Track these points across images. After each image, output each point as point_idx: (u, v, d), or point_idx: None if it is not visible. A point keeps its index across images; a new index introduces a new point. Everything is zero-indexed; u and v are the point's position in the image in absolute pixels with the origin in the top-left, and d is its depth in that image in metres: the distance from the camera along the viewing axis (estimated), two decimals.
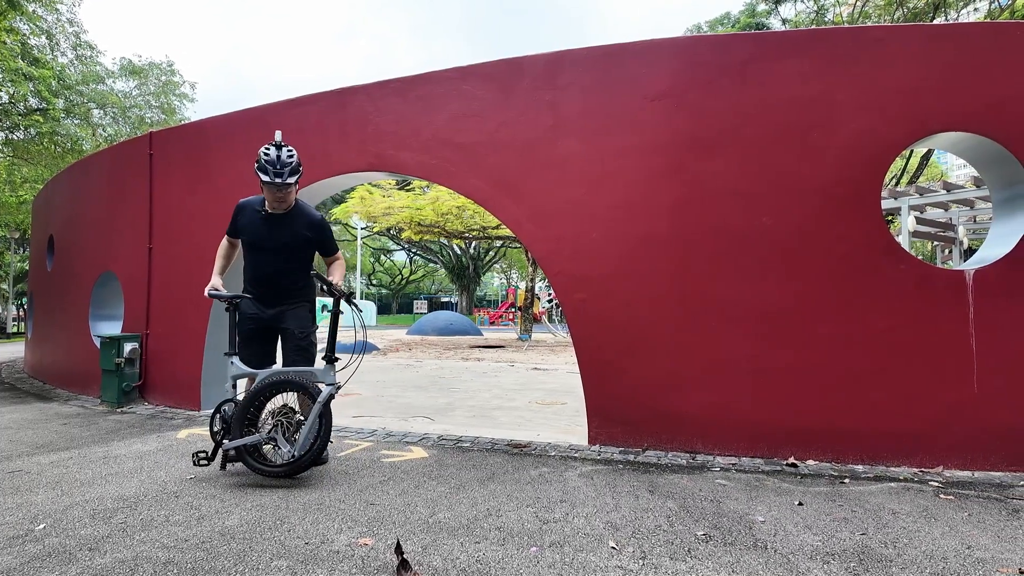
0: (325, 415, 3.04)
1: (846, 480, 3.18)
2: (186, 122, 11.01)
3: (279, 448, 3.05)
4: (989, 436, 3.35)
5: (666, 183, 3.91)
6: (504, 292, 51.00)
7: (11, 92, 16.87)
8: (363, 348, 3.33)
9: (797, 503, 2.78)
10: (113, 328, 6.34)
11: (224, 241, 3.54)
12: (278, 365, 3.42)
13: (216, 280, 3.39)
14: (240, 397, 3.18)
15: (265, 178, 3.14)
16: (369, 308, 32.44)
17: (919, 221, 11.57)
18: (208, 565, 2.07)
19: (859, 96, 3.61)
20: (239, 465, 3.21)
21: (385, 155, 4.69)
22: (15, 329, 25.82)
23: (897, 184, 18.24)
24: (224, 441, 3.10)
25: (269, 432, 3.07)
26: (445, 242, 30.08)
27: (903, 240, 10.64)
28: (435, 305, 45.51)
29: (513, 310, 32.42)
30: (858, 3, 18.42)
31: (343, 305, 3.22)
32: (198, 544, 2.25)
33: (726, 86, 3.83)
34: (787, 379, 3.62)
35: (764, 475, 3.27)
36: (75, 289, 6.82)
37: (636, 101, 3.99)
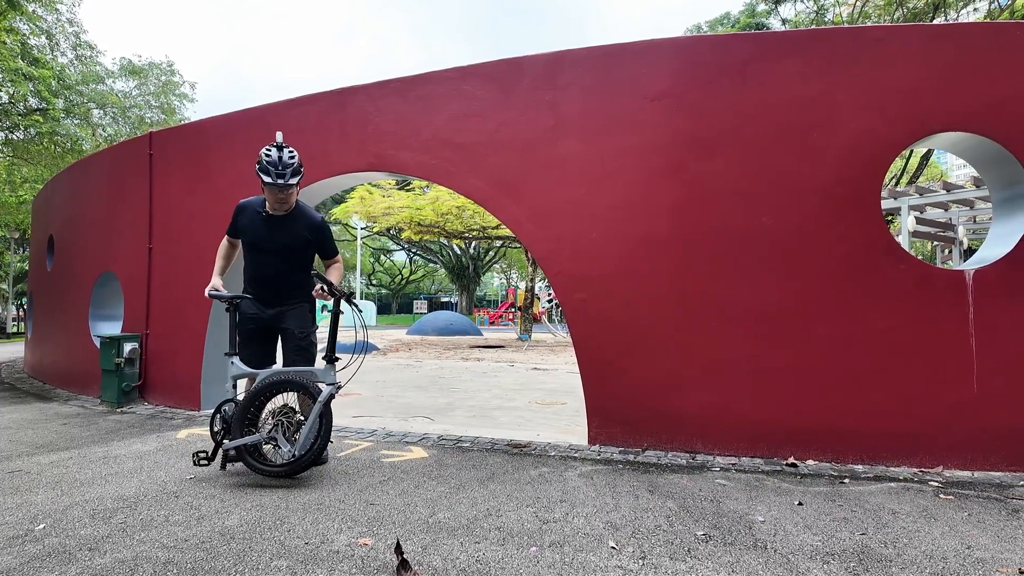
0: (325, 415, 3.04)
1: (846, 480, 3.18)
2: (186, 122, 11.01)
3: (279, 448, 3.05)
4: (989, 436, 3.35)
5: (666, 183, 3.91)
6: (504, 292, 51.00)
7: (11, 92, 16.86)
8: (363, 348, 3.33)
9: (797, 503, 2.78)
10: (113, 328, 6.34)
11: (224, 241, 3.54)
12: (278, 365, 3.43)
13: (216, 281, 3.40)
14: (240, 397, 3.18)
15: (267, 179, 3.14)
16: (369, 308, 32.43)
17: (919, 221, 11.57)
18: (208, 565, 2.07)
19: (859, 96, 3.61)
20: (239, 465, 3.21)
21: (385, 155, 4.69)
22: (15, 329, 25.83)
23: (897, 184, 18.25)
24: (224, 441, 3.10)
25: (269, 432, 3.08)
26: (445, 242, 30.07)
27: (903, 240, 10.64)
28: (435, 305, 45.51)
29: (513, 310, 32.43)
30: (858, 3, 18.42)
31: (343, 305, 3.22)
32: (198, 544, 2.25)
33: (726, 86, 3.83)
34: (787, 379, 3.62)
35: (764, 475, 3.27)
36: (75, 289, 6.82)
37: (636, 101, 3.99)
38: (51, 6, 18.49)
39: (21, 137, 19.20)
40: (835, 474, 3.29)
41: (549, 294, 27.49)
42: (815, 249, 3.63)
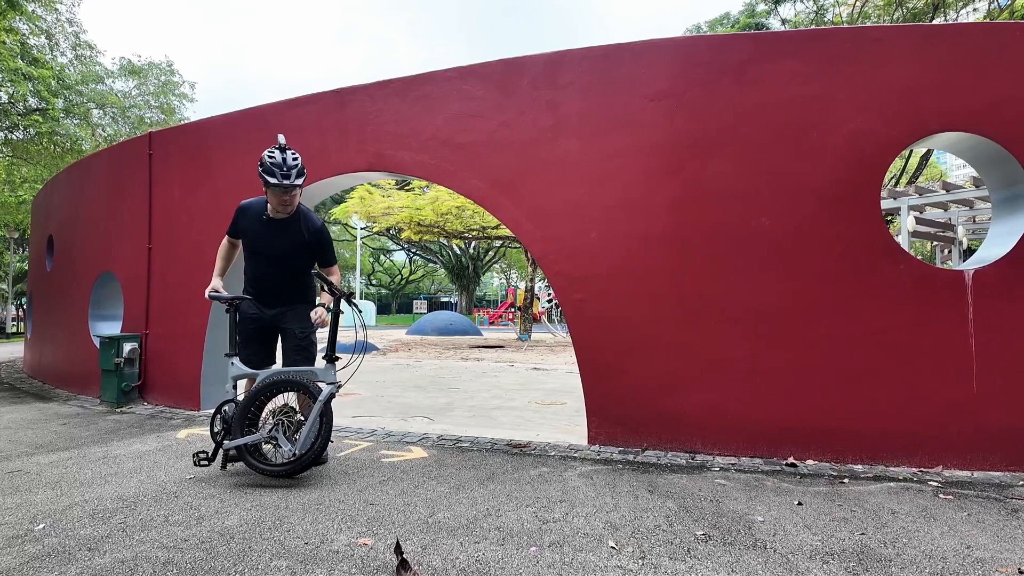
0: (326, 414, 3.05)
1: (845, 480, 3.19)
2: (185, 122, 11.01)
3: (280, 447, 3.06)
4: (988, 436, 3.35)
5: (665, 183, 3.91)
6: (504, 292, 51.01)
7: (10, 92, 16.86)
8: (363, 348, 3.34)
9: (796, 503, 2.78)
10: (113, 328, 6.33)
11: (224, 241, 3.54)
12: (278, 365, 3.43)
13: (216, 282, 3.41)
14: (240, 398, 3.19)
15: (272, 180, 3.14)
16: (369, 308, 32.45)
17: (918, 221, 11.58)
18: (208, 565, 2.07)
19: (858, 96, 3.61)
20: (239, 465, 3.21)
21: (385, 155, 4.69)
22: (14, 329, 25.82)
23: (897, 184, 18.26)
24: (225, 441, 3.11)
25: (270, 431, 3.08)
26: (445, 242, 30.05)
27: (903, 240, 10.64)
28: (435, 305, 45.54)
29: (513, 310, 32.43)
30: (857, 3, 18.42)
31: (343, 305, 3.23)
32: (198, 544, 2.25)
33: (725, 86, 3.83)
34: (786, 379, 3.63)
35: (763, 475, 3.27)
36: (75, 289, 6.81)
37: (635, 101, 3.99)
38: (51, 6, 18.49)
39: (21, 137, 19.19)
40: (834, 474, 3.29)
41: (549, 294, 27.51)
42: (814, 249, 3.63)
